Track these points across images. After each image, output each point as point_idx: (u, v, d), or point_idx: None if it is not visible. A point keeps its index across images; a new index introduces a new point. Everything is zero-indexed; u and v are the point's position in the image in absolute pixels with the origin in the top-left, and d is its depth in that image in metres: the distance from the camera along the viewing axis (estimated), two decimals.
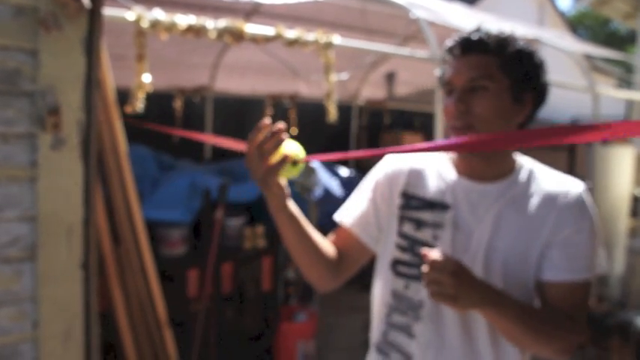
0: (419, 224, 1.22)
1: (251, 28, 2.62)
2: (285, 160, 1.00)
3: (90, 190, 1.14)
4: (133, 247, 2.49)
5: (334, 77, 3.08)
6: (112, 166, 2.43)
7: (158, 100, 4.67)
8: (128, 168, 2.48)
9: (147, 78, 2.38)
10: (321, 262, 1.25)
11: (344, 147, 6.91)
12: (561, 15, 13.17)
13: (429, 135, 6.72)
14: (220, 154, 5.50)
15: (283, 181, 1.09)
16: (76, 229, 1.13)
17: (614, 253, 4.91)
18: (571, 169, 8.89)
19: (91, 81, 1.14)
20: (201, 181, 3.45)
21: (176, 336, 2.65)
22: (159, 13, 2.37)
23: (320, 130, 5.68)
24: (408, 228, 1.24)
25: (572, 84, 4.95)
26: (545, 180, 1.18)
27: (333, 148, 5.84)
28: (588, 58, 8.61)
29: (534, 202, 1.15)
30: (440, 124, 3.26)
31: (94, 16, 1.13)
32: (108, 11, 2.16)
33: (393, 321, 1.26)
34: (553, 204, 1.14)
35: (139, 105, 2.38)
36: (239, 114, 6.54)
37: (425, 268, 1.00)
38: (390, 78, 5.86)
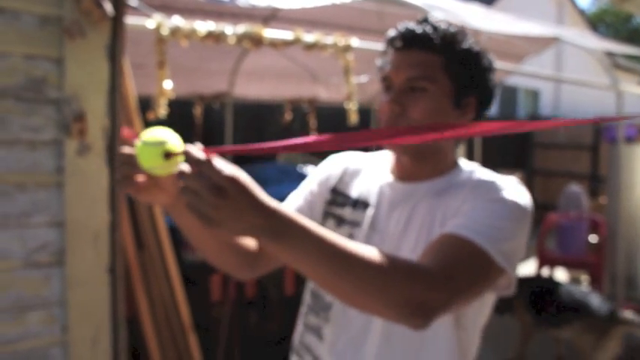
0: (339, 221, 1.14)
1: (270, 32, 2.63)
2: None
3: (115, 195, 1.15)
4: (156, 252, 2.51)
5: (354, 80, 3.08)
6: None
7: (178, 107, 4.71)
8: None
9: (168, 84, 2.41)
10: (227, 252, 1.10)
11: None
12: (581, 13, 13.01)
13: None
14: (241, 158, 5.53)
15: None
16: (103, 234, 1.14)
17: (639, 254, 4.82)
18: (594, 168, 8.77)
19: (115, 87, 1.16)
20: None
21: (200, 341, 2.67)
22: (178, 20, 2.40)
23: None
24: (330, 225, 1.15)
25: (595, 82, 4.87)
26: (475, 178, 1.05)
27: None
28: (610, 55, 8.48)
29: (452, 194, 1.02)
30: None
31: (116, 23, 1.15)
32: (128, 20, 2.19)
33: (308, 322, 1.17)
34: (466, 188, 1.02)
35: (162, 111, 2.41)
36: (259, 119, 6.57)
37: (181, 172, 0.75)
38: None
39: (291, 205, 1.22)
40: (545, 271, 5.25)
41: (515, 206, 0.97)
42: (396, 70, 1.02)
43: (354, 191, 1.16)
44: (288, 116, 5.67)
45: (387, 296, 0.80)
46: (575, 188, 5.45)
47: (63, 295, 1.12)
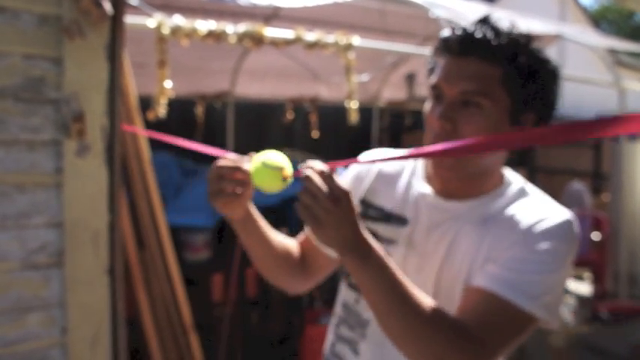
0: (373, 236, 1.06)
1: (271, 31, 2.63)
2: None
3: (115, 196, 1.14)
4: (157, 252, 2.51)
5: (355, 79, 3.07)
6: (135, 172, 2.46)
7: (180, 107, 4.71)
8: (151, 174, 2.50)
9: (168, 84, 2.41)
10: (283, 267, 1.15)
11: (365, 149, 6.88)
12: (583, 10, 12.97)
13: None
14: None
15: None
16: (102, 234, 1.13)
17: None
18: (596, 167, 8.74)
19: (114, 87, 1.15)
20: None
21: (201, 340, 2.66)
22: (179, 20, 2.39)
23: (341, 133, 5.67)
24: None
25: (597, 79, 4.86)
26: (526, 203, 0.97)
27: (354, 151, 5.82)
28: (613, 52, 8.46)
29: (499, 225, 0.95)
30: None
31: (116, 22, 1.14)
32: (129, 19, 2.18)
33: (341, 333, 1.14)
34: (517, 227, 0.93)
35: (162, 111, 2.40)
36: (260, 118, 6.57)
37: (307, 177, 0.84)
38: (411, 79, 5.82)
39: None
40: None
41: (564, 254, 0.92)
42: (449, 80, 0.93)
43: (388, 202, 1.08)
44: (289, 115, 5.67)
45: (425, 349, 0.84)
46: (578, 186, 5.43)
47: (62, 296, 1.11)
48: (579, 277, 5.72)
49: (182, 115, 5.36)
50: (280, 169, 0.91)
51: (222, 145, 5.63)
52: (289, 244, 1.20)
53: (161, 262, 2.52)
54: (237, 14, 3.71)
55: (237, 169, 0.95)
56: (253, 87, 5.39)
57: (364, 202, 1.12)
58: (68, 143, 1.10)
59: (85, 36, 1.10)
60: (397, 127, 7.38)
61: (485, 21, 0.94)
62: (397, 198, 1.08)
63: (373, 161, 0.97)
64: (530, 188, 1.02)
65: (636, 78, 9.94)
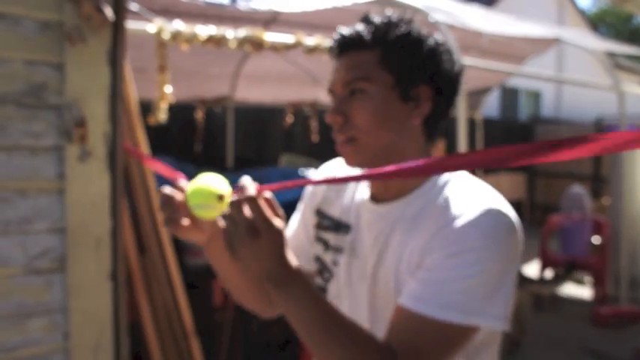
0: (326, 246, 1.07)
1: (271, 36, 2.63)
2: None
3: (117, 201, 1.15)
4: (158, 257, 2.51)
5: None
6: (136, 177, 2.46)
7: (180, 111, 4.72)
8: (152, 178, 2.50)
9: (169, 89, 2.41)
10: (252, 292, 1.11)
11: None
12: (582, 13, 13.01)
13: (450, 138, 6.67)
14: (242, 163, 5.53)
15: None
16: (104, 240, 1.13)
17: None
18: (596, 170, 8.75)
19: (116, 93, 1.15)
20: None
21: (202, 345, 2.66)
22: (179, 25, 2.40)
23: None
24: (319, 249, 1.09)
25: (596, 83, 4.87)
26: (448, 199, 0.92)
27: None
28: (611, 55, 8.48)
29: (420, 226, 0.92)
30: (462, 127, 3.23)
31: (117, 28, 1.15)
32: (129, 24, 2.19)
33: None
34: (434, 229, 0.89)
35: (162, 116, 2.41)
36: (260, 123, 6.57)
37: (232, 203, 0.83)
38: None
39: (290, 230, 1.16)
40: (548, 273, 5.24)
41: (491, 250, 0.85)
42: (335, 79, 0.96)
43: (337, 210, 1.08)
44: (289, 120, 5.67)
45: None
46: (578, 189, 5.44)
47: (64, 302, 1.11)
48: (580, 281, 5.72)
49: (182, 120, 5.37)
50: (212, 193, 0.85)
51: (222, 149, 5.64)
52: None
53: (162, 267, 2.52)
54: (237, 19, 3.72)
55: (172, 197, 0.92)
56: (253, 91, 5.40)
57: (319, 212, 1.11)
58: (70, 149, 1.10)
59: (86, 42, 1.10)
60: None
61: (361, 19, 0.97)
62: (344, 206, 1.07)
63: (307, 182, 0.91)
64: (460, 180, 0.96)
65: (635, 81, 9.96)
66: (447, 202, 0.92)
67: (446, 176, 0.97)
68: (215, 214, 0.86)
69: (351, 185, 1.08)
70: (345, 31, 0.96)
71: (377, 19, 0.95)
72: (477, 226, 0.86)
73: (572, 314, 4.80)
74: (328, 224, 1.08)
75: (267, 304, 1.12)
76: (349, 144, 0.94)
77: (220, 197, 0.85)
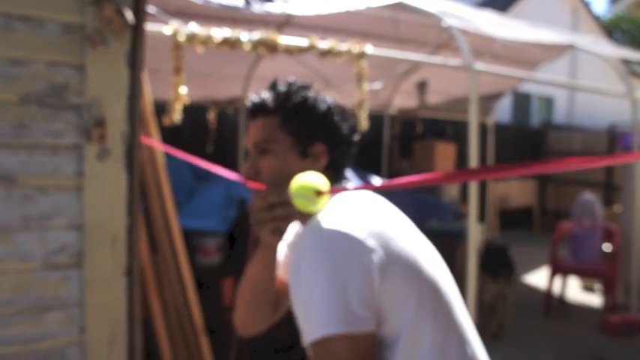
0: None
1: (285, 39, 2.66)
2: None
3: (133, 200, 1.18)
4: (170, 255, 2.54)
5: (367, 87, 3.10)
6: (149, 177, 2.49)
7: (192, 112, 4.76)
8: (165, 178, 2.53)
9: (183, 90, 2.44)
10: (261, 310, 1.25)
11: (376, 156, 6.90)
12: (596, 19, 12.92)
13: (461, 143, 6.67)
14: None
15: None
16: (120, 237, 1.16)
17: None
18: (608, 178, 8.69)
19: (134, 94, 1.18)
20: (236, 190, 3.50)
21: (212, 344, 2.69)
22: (195, 27, 2.43)
23: None
24: None
25: (610, 90, 4.84)
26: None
27: (365, 157, 5.88)
28: (626, 62, 8.42)
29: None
30: (473, 132, 3.24)
31: (137, 31, 1.18)
32: (146, 26, 2.22)
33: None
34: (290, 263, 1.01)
35: (177, 116, 2.44)
36: None
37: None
38: (422, 87, 5.84)
39: (281, 250, 1.27)
40: (558, 280, 5.22)
41: (318, 269, 0.93)
42: (249, 139, 1.15)
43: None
44: None
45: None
46: (589, 196, 5.41)
47: (81, 297, 1.14)
48: (590, 289, 5.69)
49: (194, 121, 5.41)
50: (312, 188, 1.00)
51: (233, 150, 5.68)
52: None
53: (174, 266, 2.55)
54: (251, 22, 3.75)
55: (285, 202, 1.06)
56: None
57: None
58: (89, 148, 1.13)
59: (107, 44, 1.14)
60: (408, 134, 7.39)
61: (270, 87, 1.17)
62: None
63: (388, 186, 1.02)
64: (334, 205, 1.03)
65: None
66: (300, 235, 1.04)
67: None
68: (311, 206, 1.00)
69: None
70: (255, 98, 1.16)
71: (280, 87, 1.15)
72: (305, 251, 0.96)
73: (582, 322, 4.77)
74: None
75: (264, 323, 1.30)
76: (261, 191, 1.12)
77: (318, 193, 0.99)
